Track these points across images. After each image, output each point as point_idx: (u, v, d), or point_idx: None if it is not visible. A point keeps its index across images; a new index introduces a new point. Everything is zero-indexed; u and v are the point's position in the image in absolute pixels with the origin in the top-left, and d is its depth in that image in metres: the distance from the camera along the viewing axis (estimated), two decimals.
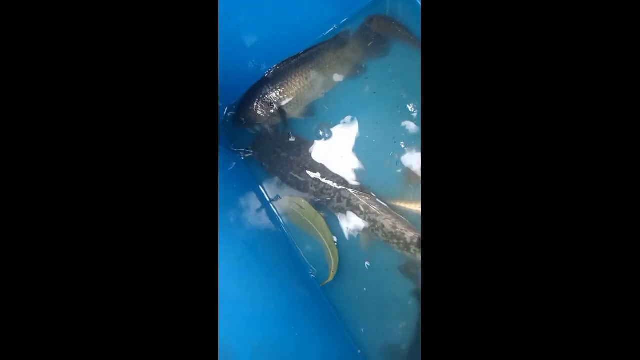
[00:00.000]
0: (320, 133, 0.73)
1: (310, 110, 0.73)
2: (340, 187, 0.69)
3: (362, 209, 0.68)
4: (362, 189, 0.69)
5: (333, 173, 0.71)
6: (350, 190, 0.69)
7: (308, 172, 0.71)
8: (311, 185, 0.70)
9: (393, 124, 0.71)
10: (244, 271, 0.60)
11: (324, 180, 0.70)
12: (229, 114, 0.78)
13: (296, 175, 0.71)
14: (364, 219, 0.68)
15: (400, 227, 0.65)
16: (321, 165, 0.71)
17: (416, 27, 0.72)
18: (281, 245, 0.72)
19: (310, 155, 0.72)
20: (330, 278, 0.69)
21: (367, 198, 0.68)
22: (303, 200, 0.70)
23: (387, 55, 0.73)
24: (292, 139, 0.73)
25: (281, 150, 0.72)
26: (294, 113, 0.73)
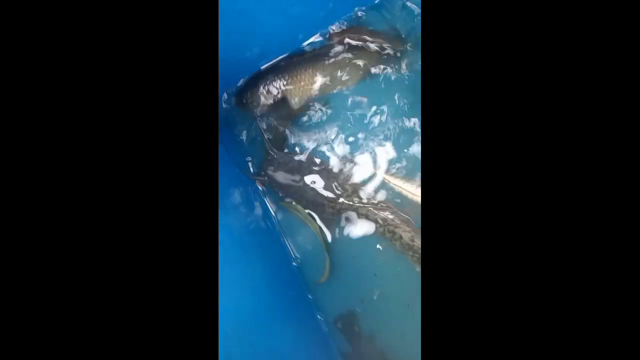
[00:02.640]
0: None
1: (310, 106, 0.73)
2: (357, 204, 0.69)
3: (380, 221, 0.68)
4: (380, 202, 0.69)
5: (347, 189, 0.70)
6: (367, 206, 0.68)
7: (323, 193, 0.70)
8: (328, 207, 0.69)
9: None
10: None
11: (340, 200, 0.69)
12: (226, 99, 0.77)
13: (311, 199, 0.70)
14: (383, 231, 0.68)
15: (417, 241, 0.66)
16: (334, 184, 0.70)
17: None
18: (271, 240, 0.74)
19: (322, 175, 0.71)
20: (324, 279, 0.70)
21: (386, 212, 0.68)
22: (299, 206, 0.71)
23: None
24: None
25: (291, 175, 0.70)
26: (293, 105, 0.73)
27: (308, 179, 0.70)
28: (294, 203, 0.71)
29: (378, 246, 0.69)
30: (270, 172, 0.71)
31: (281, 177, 0.70)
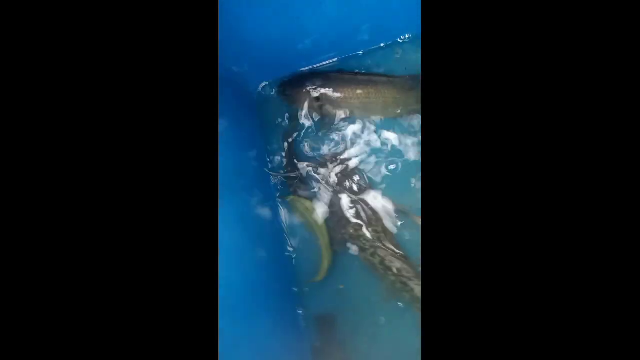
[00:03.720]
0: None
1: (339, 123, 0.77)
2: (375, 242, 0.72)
3: (381, 268, 0.71)
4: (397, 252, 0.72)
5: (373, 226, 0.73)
6: (382, 247, 0.71)
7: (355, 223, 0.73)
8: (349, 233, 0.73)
9: None
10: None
11: (363, 230, 0.72)
12: (262, 89, 0.81)
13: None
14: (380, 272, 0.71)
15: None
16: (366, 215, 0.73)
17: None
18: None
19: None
20: (319, 278, 0.73)
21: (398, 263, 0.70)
22: (309, 202, 0.74)
23: None
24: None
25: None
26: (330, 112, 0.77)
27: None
28: (302, 199, 0.74)
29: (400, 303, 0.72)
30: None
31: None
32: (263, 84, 0.81)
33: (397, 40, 0.77)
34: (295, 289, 0.77)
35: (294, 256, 0.77)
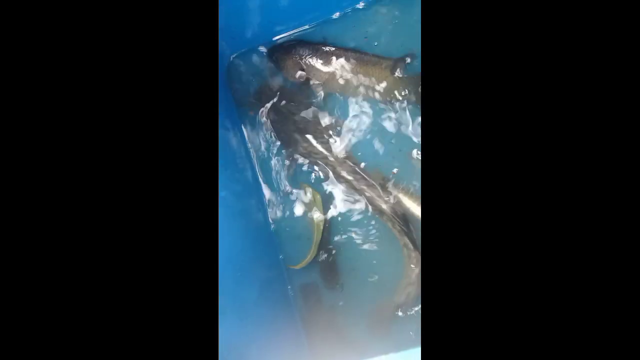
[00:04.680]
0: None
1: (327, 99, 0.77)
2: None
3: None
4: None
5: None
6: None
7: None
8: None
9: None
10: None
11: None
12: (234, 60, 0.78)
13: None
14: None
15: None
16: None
17: None
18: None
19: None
20: (298, 267, 0.75)
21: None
22: (319, 196, 0.74)
23: None
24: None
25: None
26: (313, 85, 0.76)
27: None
28: (314, 191, 0.75)
29: None
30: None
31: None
32: (234, 55, 0.78)
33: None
34: (281, 257, 0.78)
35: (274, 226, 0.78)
